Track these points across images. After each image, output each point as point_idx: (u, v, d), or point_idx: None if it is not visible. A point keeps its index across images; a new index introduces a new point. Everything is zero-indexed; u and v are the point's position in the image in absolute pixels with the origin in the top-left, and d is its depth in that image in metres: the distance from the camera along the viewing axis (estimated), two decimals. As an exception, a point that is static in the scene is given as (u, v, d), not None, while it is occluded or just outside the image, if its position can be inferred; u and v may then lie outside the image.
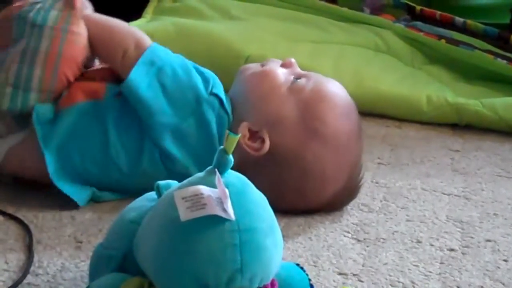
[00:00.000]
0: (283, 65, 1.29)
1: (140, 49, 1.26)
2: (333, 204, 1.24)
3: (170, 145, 1.22)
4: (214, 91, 1.25)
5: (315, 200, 1.22)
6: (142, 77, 1.23)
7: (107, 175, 1.24)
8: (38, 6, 1.28)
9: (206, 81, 1.25)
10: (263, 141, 1.20)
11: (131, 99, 1.23)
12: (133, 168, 1.23)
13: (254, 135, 1.21)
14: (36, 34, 1.25)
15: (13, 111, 1.24)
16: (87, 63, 1.31)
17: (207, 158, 1.14)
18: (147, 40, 1.28)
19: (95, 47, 1.29)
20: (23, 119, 1.25)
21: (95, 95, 1.26)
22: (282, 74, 1.26)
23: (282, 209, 1.15)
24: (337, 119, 1.22)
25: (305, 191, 1.21)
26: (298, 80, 1.25)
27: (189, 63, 1.27)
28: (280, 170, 1.21)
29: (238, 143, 1.15)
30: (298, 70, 1.28)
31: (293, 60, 1.29)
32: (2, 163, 1.26)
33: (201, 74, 1.26)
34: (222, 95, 1.25)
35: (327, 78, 1.28)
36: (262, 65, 1.29)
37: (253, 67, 1.30)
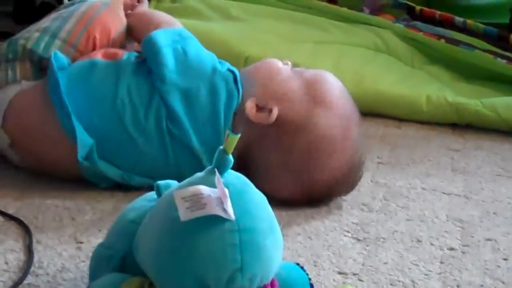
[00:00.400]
0: None
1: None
2: (336, 185, 1.25)
3: (178, 104, 1.24)
4: (230, 68, 1.30)
5: (320, 172, 1.23)
6: (166, 37, 1.29)
7: (109, 132, 1.24)
8: None
9: (220, 62, 1.31)
10: (270, 111, 1.23)
11: (149, 51, 1.27)
12: (137, 125, 1.24)
13: (261, 109, 1.25)
14: (79, 4, 1.35)
15: (34, 53, 1.29)
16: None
17: (209, 131, 1.22)
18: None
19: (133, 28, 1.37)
20: (40, 69, 1.29)
21: (113, 57, 1.30)
22: (281, 63, 1.32)
23: (285, 184, 1.21)
24: (339, 95, 1.27)
25: (312, 161, 1.22)
26: (297, 68, 1.32)
27: None
28: (289, 137, 1.23)
29: (246, 118, 1.23)
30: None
31: (289, 62, 1.34)
32: (7, 109, 1.27)
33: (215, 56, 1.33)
34: (237, 73, 1.30)
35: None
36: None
37: None
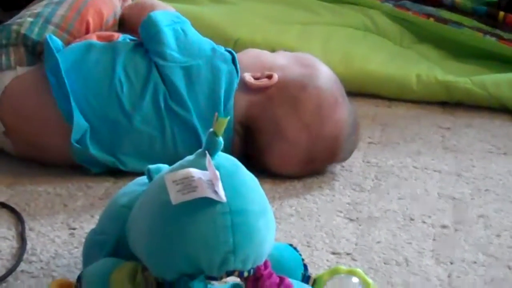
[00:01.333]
0: None
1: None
2: (345, 134, 1.29)
3: (180, 81, 1.26)
4: (228, 49, 1.33)
5: (329, 119, 1.27)
6: (166, 18, 1.30)
7: (107, 112, 1.24)
8: None
9: (218, 46, 1.33)
10: (270, 77, 1.28)
11: (149, 31, 1.28)
12: (134, 103, 1.24)
13: (258, 79, 1.29)
14: None
15: (28, 38, 1.29)
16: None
17: (209, 109, 1.25)
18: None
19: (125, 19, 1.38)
20: (34, 54, 1.29)
21: (108, 39, 1.31)
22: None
23: (294, 140, 1.26)
24: (325, 66, 1.34)
25: (321, 110, 1.27)
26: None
27: None
28: (293, 94, 1.27)
29: (248, 87, 1.28)
30: None
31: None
32: (2, 96, 1.27)
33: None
34: (235, 54, 1.32)
35: None
36: None
37: None
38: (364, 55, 1.82)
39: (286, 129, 1.26)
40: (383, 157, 1.42)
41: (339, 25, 1.95)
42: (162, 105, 1.24)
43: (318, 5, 2.02)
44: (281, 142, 1.26)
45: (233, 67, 1.29)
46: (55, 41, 1.28)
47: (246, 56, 1.34)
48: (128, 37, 1.32)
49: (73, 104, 1.22)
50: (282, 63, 1.32)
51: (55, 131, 1.24)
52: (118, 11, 1.38)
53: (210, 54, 1.29)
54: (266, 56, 1.36)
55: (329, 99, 1.28)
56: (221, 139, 0.82)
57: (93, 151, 1.24)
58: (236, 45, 1.75)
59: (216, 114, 0.81)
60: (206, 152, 0.81)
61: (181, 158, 0.84)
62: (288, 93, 1.27)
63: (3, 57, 1.28)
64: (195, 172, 0.79)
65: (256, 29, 1.84)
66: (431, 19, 1.96)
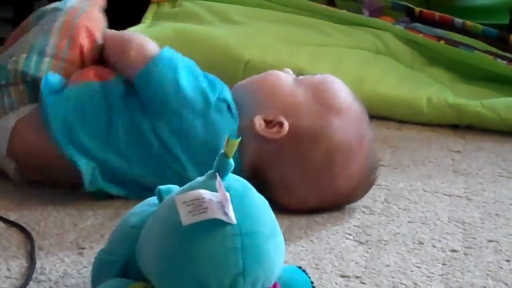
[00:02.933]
0: None
1: (143, 50, 1.28)
2: (357, 186, 1.25)
3: (173, 144, 1.22)
4: (222, 96, 1.27)
5: (342, 177, 1.22)
6: (161, 72, 1.25)
7: (108, 155, 1.23)
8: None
9: (213, 86, 1.27)
10: (280, 125, 1.22)
11: (145, 88, 1.24)
12: (131, 149, 1.23)
13: (269, 123, 1.23)
14: (55, 14, 1.33)
15: (27, 75, 1.27)
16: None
17: (209, 162, 1.16)
18: (153, 46, 1.30)
19: (107, 51, 1.32)
20: (35, 90, 1.27)
21: (105, 77, 1.28)
22: (283, 73, 1.30)
23: (307, 197, 1.21)
24: (347, 98, 1.26)
25: (333, 167, 1.21)
26: (300, 76, 1.29)
27: (197, 67, 1.29)
28: (304, 149, 1.21)
29: (256, 138, 1.21)
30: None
31: (289, 69, 1.32)
32: (10, 138, 1.26)
33: (207, 78, 1.28)
34: (230, 99, 1.27)
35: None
36: None
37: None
38: (375, 77, 1.83)
39: (293, 191, 1.22)
40: (393, 180, 1.41)
41: (351, 47, 1.96)
42: (157, 160, 1.23)
43: (330, 26, 2.03)
44: (288, 199, 1.22)
45: (230, 114, 1.25)
46: (51, 84, 1.25)
47: (261, 89, 1.27)
48: (120, 77, 1.28)
49: (72, 153, 1.22)
50: (299, 101, 1.24)
51: (66, 169, 1.23)
52: (105, 26, 1.36)
53: (204, 108, 1.23)
54: (283, 90, 1.26)
55: (343, 151, 1.21)
56: (231, 160, 0.82)
57: (106, 188, 1.24)
58: (247, 66, 1.76)
59: (228, 136, 0.82)
60: (217, 173, 0.81)
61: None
62: (298, 148, 1.21)
63: (5, 99, 1.27)
64: (205, 193, 0.79)
65: (268, 50, 1.85)
66: (442, 42, 1.97)
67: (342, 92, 1.27)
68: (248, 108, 1.26)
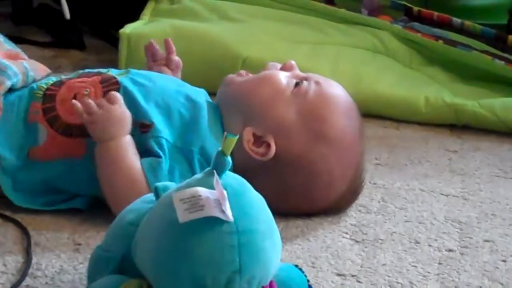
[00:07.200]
0: (283, 68, 1.28)
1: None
2: (338, 206, 1.24)
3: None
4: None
5: (321, 202, 1.22)
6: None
7: None
8: None
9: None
10: (268, 145, 1.19)
11: None
12: None
13: (258, 140, 1.20)
14: None
15: None
16: None
17: None
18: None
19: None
20: None
21: (73, 153, 1.20)
22: (283, 78, 1.25)
23: (285, 212, 1.17)
24: (340, 120, 1.22)
25: (311, 194, 1.21)
26: (301, 84, 1.23)
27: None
28: (286, 173, 1.20)
29: (243, 149, 1.17)
30: (298, 72, 1.27)
31: (293, 62, 1.28)
32: None
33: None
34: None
35: (327, 79, 1.27)
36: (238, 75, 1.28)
37: (235, 77, 1.28)
38: (373, 76, 1.83)
39: (272, 205, 1.00)
40: (390, 179, 1.41)
41: (349, 45, 1.95)
42: None
43: (328, 25, 2.03)
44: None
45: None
46: (9, 163, 1.20)
47: (257, 102, 1.22)
48: (93, 144, 1.17)
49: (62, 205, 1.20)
50: (290, 124, 1.20)
51: None
52: None
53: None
54: (278, 107, 1.21)
55: (324, 180, 1.20)
56: (229, 158, 0.82)
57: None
58: (245, 64, 1.75)
59: (225, 133, 0.82)
60: (214, 171, 0.81)
61: None
62: (280, 171, 1.19)
63: None
64: (202, 191, 0.79)
65: (265, 48, 1.84)
66: (440, 41, 1.97)
67: (334, 115, 1.22)
68: (241, 113, 1.23)
